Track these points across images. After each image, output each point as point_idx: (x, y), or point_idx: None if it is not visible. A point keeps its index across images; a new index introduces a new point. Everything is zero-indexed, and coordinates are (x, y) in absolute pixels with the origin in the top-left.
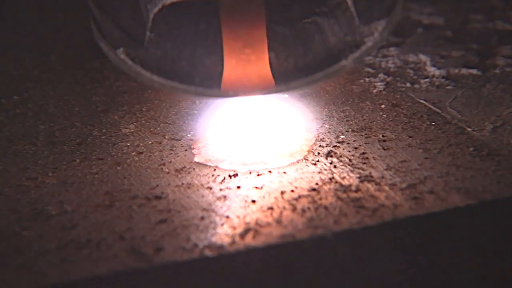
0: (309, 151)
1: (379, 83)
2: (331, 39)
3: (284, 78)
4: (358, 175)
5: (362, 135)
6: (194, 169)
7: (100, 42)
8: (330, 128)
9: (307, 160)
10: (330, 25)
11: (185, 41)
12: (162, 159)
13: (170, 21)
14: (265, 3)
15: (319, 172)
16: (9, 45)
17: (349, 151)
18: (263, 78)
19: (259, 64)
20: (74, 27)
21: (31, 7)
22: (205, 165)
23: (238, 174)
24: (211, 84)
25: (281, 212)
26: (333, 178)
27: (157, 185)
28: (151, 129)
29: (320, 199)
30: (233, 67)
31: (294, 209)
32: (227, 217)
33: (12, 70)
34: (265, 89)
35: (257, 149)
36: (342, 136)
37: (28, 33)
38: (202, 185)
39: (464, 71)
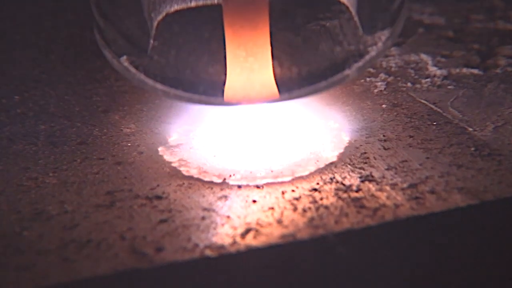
0: (309, 151)
1: (380, 83)
2: (335, 48)
3: (287, 86)
4: (359, 175)
5: (362, 135)
6: (194, 169)
7: (104, 50)
8: (330, 128)
9: (308, 160)
10: (334, 34)
11: (189, 49)
12: (163, 159)
13: (174, 29)
14: (270, 11)
15: (319, 172)
16: (9, 45)
17: (350, 151)
18: (267, 86)
19: (263, 72)
20: (74, 27)
21: (31, 7)
22: (204, 165)
23: (238, 174)
24: (215, 92)
25: (282, 212)
26: (334, 178)
27: (158, 185)
28: (152, 129)
29: (321, 199)
30: (236, 75)
31: (295, 209)
32: (228, 217)
33: (12, 70)
34: (268, 98)
35: (256, 149)
36: (342, 136)
37: (28, 33)
38: (202, 185)
39: (465, 71)
